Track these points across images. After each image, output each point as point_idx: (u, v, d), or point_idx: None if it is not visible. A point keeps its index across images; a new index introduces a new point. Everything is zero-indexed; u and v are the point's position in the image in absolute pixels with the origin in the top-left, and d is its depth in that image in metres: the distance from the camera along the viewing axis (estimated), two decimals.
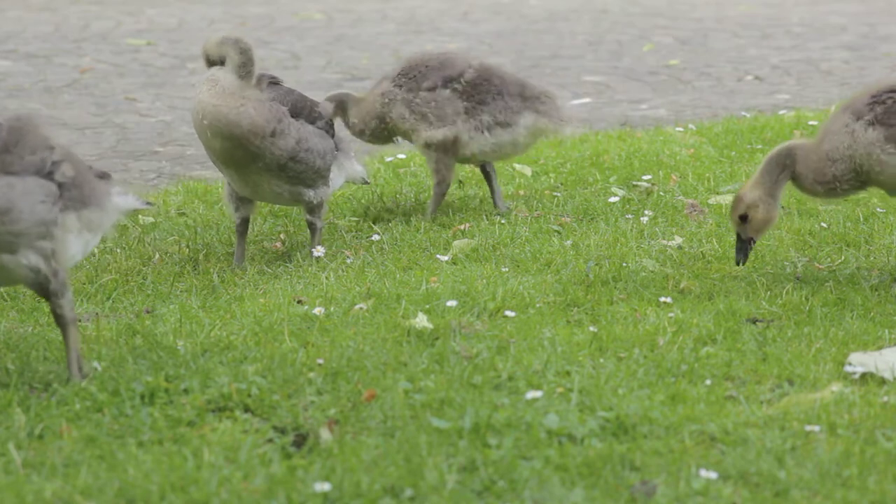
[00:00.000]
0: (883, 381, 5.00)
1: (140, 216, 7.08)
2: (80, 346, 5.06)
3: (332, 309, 5.62)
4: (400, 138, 7.16)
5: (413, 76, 7.04)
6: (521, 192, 7.50)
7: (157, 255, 6.51)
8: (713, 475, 4.30)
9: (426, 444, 4.46)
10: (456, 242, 6.49)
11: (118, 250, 6.55)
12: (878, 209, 7.03)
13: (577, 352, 5.21)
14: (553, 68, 12.19)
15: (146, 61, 12.36)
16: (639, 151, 8.28)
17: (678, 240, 6.54)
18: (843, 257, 6.38)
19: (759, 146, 8.45)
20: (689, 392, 4.89)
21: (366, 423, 4.64)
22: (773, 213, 5.94)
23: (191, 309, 5.69)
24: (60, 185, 4.85)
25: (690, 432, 4.59)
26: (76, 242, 4.94)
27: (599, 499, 4.20)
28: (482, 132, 6.99)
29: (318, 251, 6.38)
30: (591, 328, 5.44)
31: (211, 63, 6.24)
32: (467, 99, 6.99)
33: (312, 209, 6.46)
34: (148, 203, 5.48)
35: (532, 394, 4.80)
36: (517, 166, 7.98)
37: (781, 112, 9.86)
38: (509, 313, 5.57)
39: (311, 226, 6.52)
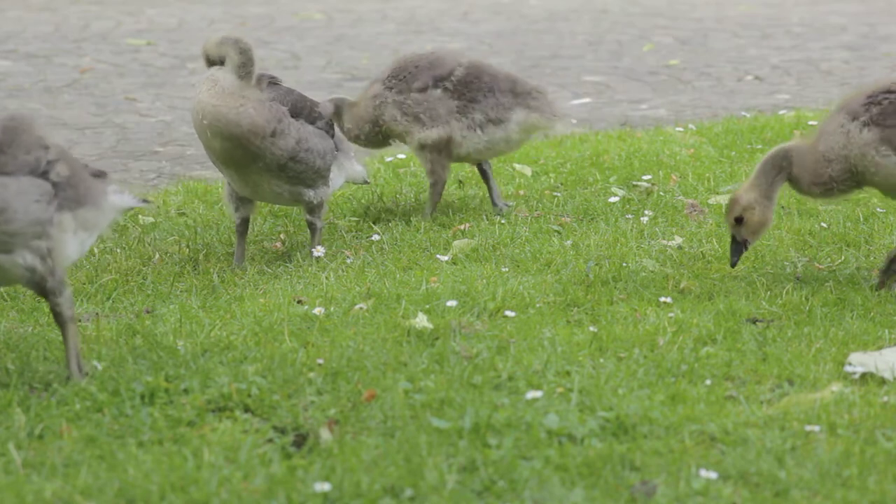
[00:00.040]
0: (883, 381, 5.00)
1: (140, 216, 7.08)
2: (80, 346, 5.06)
3: (332, 309, 5.62)
4: (395, 141, 7.14)
5: (403, 77, 7.00)
6: (521, 192, 7.50)
7: (157, 255, 6.51)
8: (713, 475, 4.30)
9: (426, 444, 4.46)
10: (456, 242, 6.49)
11: (118, 250, 6.55)
12: (878, 209, 7.03)
13: (577, 352, 5.21)
14: (553, 68, 12.19)
15: (146, 61, 12.36)
16: (639, 151, 8.28)
17: (678, 240, 6.54)
18: (843, 257, 6.38)
19: (759, 146, 8.45)
20: (689, 392, 4.89)
21: (366, 423, 4.64)
22: (768, 216, 5.93)
23: (191, 309, 5.69)
24: (56, 185, 4.85)
25: (690, 432, 4.59)
26: (72, 242, 4.94)
27: (599, 499, 4.20)
28: (475, 131, 6.98)
29: (318, 251, 6.38)
30: (591, 328, 5.44)
31: (211, 63, 6.24)
32: (459, 97, 6.97)
33: (312, 209, 6.46)
34: (144, 201, 5.47)
35: (532, 394, 4.80)
36: (517, 166, 7.98)
37: (781, 112, 9.86)
38: (509, 313, 5.57)
39: (311, 226, 6.51)
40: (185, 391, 4.83)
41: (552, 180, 7.75)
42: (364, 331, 5.38)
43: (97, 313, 5.69)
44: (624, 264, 6.14)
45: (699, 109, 10.45)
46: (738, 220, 5.91)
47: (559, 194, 7.41)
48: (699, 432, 4.60)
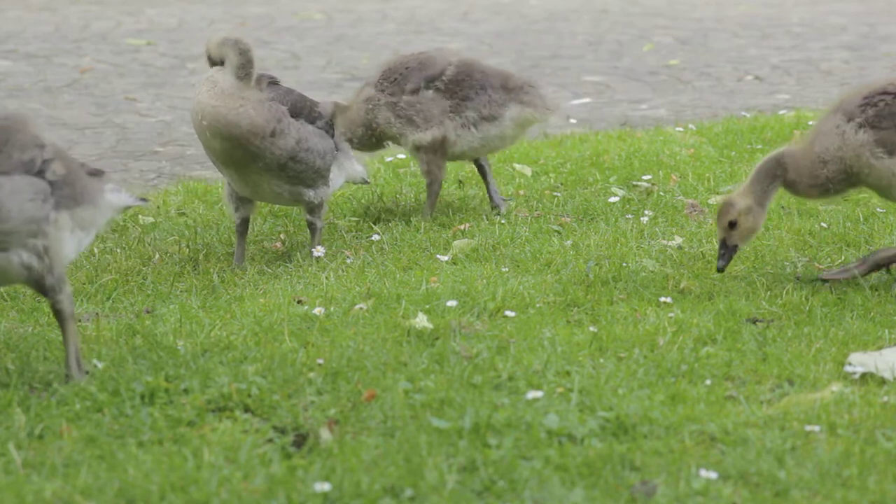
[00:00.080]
0: (883, 381, 5.00)
1: (140, 216, 7.09)
2: (80, 344, 5.06)
3: (332, 309, 5.62)
4: (388, 143, 7.12)
5: (395, 79, 6.99)
6: (521, 192, 7.50)
7: (157, 255, 6.51)
8: (713, 475, 4.30)
9: (426, 444, 4.46)
10: (456, 242, 6.49)
11: (118, 250, 6.55)
12: (879, 209, 7.03)
13: (577, 352, 5.21)
14: (553, 68, 12.19)
15: (146, 61, 12.36)
16: (639, 151, 8.28)
17: (678, 240, 6.54)
18: (843, 257, 6.38)
19: (759, 146, 8.45)
20: (689, 392, 4.89)
21: (366, 423, 4.64)
22: (760, 222, 5.93)
23: (191, 309, 5.69)
24: (52, 184, 4.85)
25: (690, 432, 4.59)
26: (70, 240, 4.94)
27: (599, 499, 4.20)
28: (469, 129, 6.97)
29: (318, 251, 6.38)
30: (591, 328, 5.44)
31: (213, 62, 6.24)
32: (451, 97, 6.97)
33: (312, 209, 6.46)
34: (142, 200, 5.47)
35: (532, 394, 4.80)
36: (517, 166, 7.98)
37: (781, 112, 9.86)
38: (509, 313, 5.57)
39: (311, 226, 6.52)
40: (185, 391, 4.83)
41: (552, 180, 7.75)
42: (364, 331, 5.38)
43: (97, 313, 5.69)
44: (624, 264, 6.14)
45: (699, 109, 10.45)
46: (732, 225, 5.89)
47: (559, 194, 7.41)
48: (699, 432, 4.60)
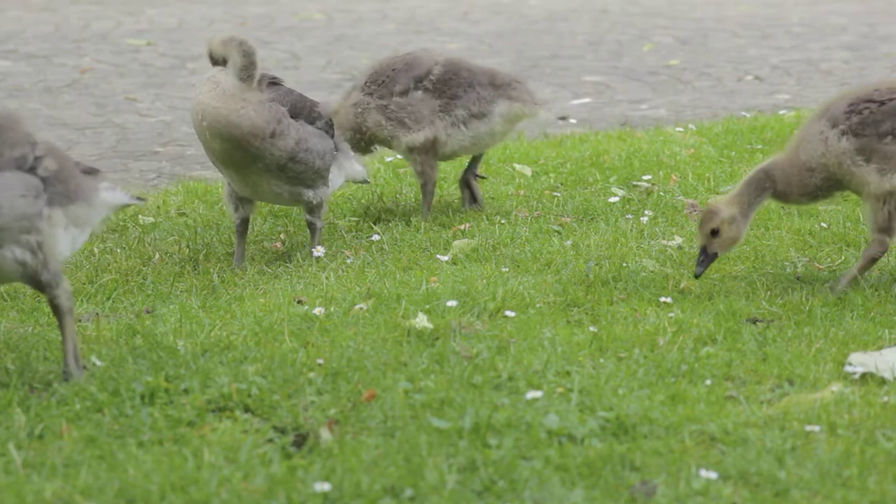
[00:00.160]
0: (883, 381, 5.00)
1: (140, 216, 7.09)
2: (78, 341, 5.05)
3: (332, 309, 5.62)
4: (377, 147, 7.11)
5: (382, 82, 6.97)
6: (521, 192, 7.50)
7: (157, 255, 6.51)
8: (713, 475, 4.30)
9: (426, 444, 4.46)
10: (456, 242, 6.49)
11: (118, 250, 6.55)
12: None
13: (577, 352, 5.21)
14: (553, 68, 12.19)
15: (146, 61, 12.36)
16: (639, 151, 8.28)
17: (678, 240, 6.54)
18: (843, 257, 6.38)
19: (759, 146, 8.45)
20: (689, 392, 4.89)
21: (366, 423, 4.64)
22: (742, 233, 5.91)
23: (191, 309, 5.69)
24: (44, 180, 4.85)
25: (690, 432, 4.59)
26: (64, 238, 4.94)
27: (599, 499, 4.20)
28: (459, 128, 6.97)
29: (318, 251, 6.38)
30: (591, 328, 5.44)
31: (215, 61, 6.22)
32: (440, 96, 6.96)
33: (312, 209, 6.46)
34: (138, 198, 5.46)
35: (532, 394, 4.80)
36: (517, 166, 7.98)
37: (781, 112, 9.86)
38: (509, 313, 5.57)
39: (311, 226, 6.52)
40: (185, 391, 4.83)
41: (552, 180, 7.75)
42: (364, 331, 5.38)
43: (97, 313, 5.69)
44: (624, 264, 6.14)
45: (699, 109, 10.45)
46: (714, 233, 5.88)
47: (559, 194, 7.41)
48: (699, 432, 4.60)
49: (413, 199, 7.43)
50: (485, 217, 6.99)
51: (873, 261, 5.90)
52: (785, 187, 5.90)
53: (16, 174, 4.79)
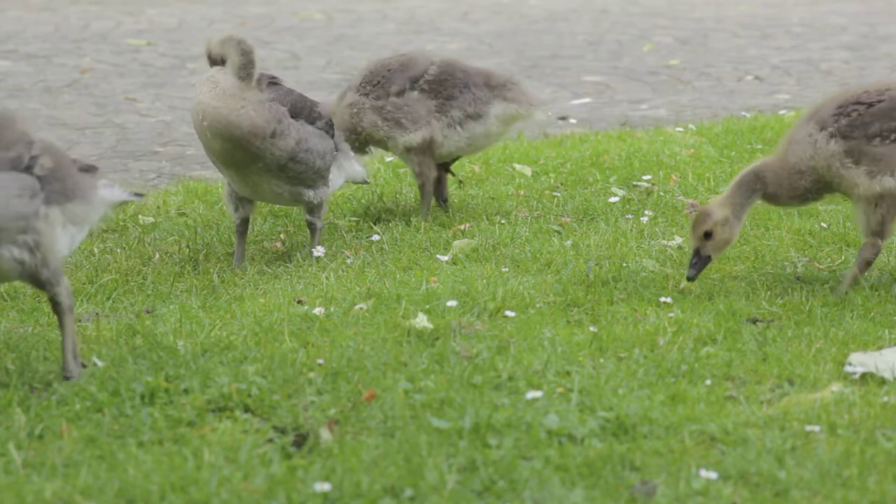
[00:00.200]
0: (883, 381, 5.00)
1: (140, 216, 7.09)
2: (77, 339, 5.05)
3: (332, 309, 5.62)
4: (372, 148, 7.10)
5: (378, 82, 6.96)
6: (522, 192, 7.50)
7: (157, 255, 6.51)
8: (713, 475, 4.30)
9: (426, 444, 4.46)
10: (456, 242, 6.49)
11: (118, 250, 6.56)
12: None
13: (577, 352, 5.21)
14: (553, 68, 12.19)
15: (146, 61, 12.36)
16: (639, 151, 8.28)
17: (678, 240, 6.54)
18: (843, 257, 6.38)
19: (759, 146, 8.45)
20: (689, 392, 4.89)
21: (366, 423, 4.64)
22: (735, 234, 5.90)
23: (191, 309, 5.69)
24: (41, 179, 4.85)
25: (690, 432, 4.59)
26: (62, 236, 4.94)
27: (599, 499, 4.20)
28: (455, 128, 6.96)
29: (318, 251, 6.38)
30: (591, 328, 5.44)
31: (213, 61, 6.22)
32: (435, 96, 6.95)
33: (312, 209, 6.46)
34: (136, 195, 5.46)
35: (532, 394, 4.80)
36: (517, 166, 7.98)
37: (781, 112, 9.86)
38: (509, 313, 5.57)
39: (311, 226, 6.52)
40: (185, 391, 4.83)
41: (552, 180, 7.75)
42: (364, 331, 5.38)
43: (97, 313, 5.69)
44: (624, 264, 6.14)
45: (699, 109, 10.45)
46: (707, 235, 5.87)
47: (559, 194, 7.41)
48: (699, 432, 4.60)
49: (413, 199, 7.43)
50: (485, 217, 6.99)
51: (868, 263, 5.90)
52: (775, 189, 5.89)
53: (10, 174, 4.79)
